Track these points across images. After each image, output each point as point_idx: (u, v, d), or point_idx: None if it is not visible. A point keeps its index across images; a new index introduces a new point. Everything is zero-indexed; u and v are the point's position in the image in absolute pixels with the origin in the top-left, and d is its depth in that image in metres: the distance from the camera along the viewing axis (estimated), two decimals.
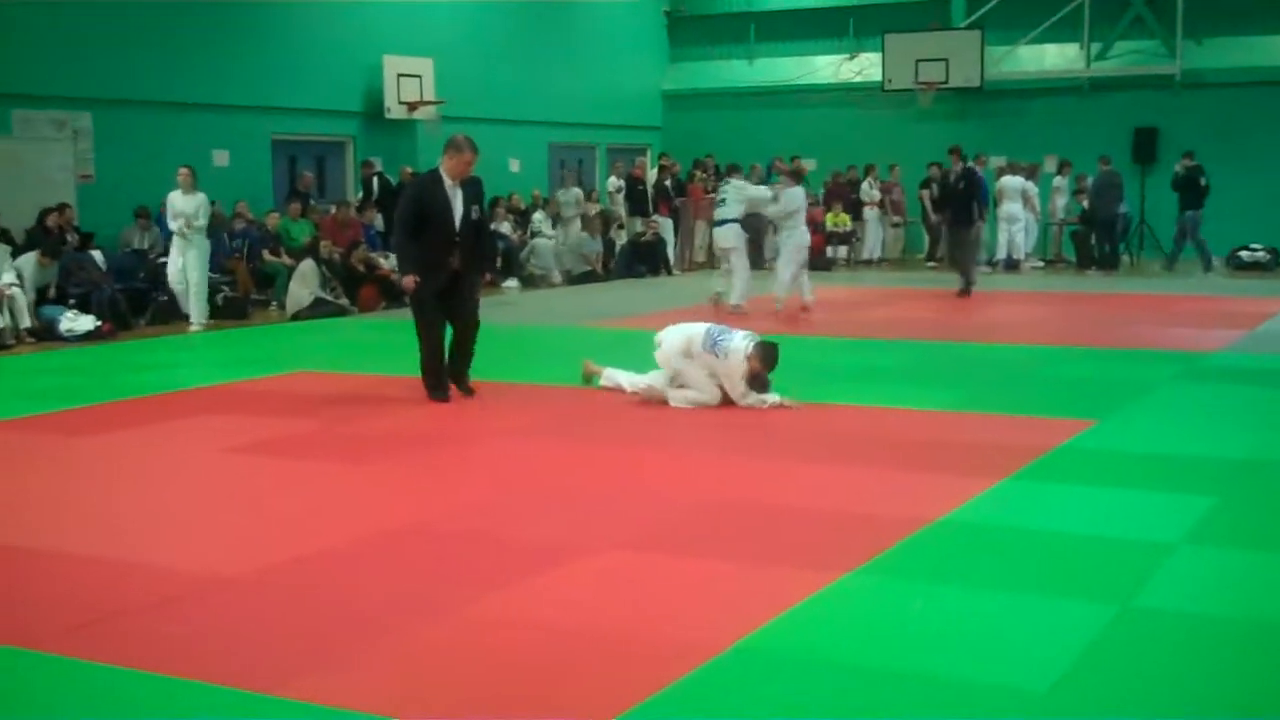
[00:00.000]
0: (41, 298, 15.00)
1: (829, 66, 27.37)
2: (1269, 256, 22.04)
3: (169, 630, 5.18)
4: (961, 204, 18.09)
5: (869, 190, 24.51)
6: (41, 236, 15.77)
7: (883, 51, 25.43)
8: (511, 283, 20.62)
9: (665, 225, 23.37)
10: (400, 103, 21.30)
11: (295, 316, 16.51)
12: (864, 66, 26.71)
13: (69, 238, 16.18)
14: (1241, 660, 4.80)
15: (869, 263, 24.19)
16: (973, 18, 25.45)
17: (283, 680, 4.60)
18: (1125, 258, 22.77)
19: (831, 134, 26.13)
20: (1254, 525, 6.58)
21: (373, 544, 6.38)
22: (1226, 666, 4.74)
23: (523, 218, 22.04)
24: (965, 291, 17.89)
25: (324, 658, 4.85)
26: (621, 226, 23.28)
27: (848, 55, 27.27)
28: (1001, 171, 23.05)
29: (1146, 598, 5.48)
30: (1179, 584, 5.67)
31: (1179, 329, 14.30)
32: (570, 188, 22.62)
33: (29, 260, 15.01)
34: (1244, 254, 22.19)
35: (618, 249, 22.79)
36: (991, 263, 22.99)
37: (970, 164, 18.92)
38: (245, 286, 17.31)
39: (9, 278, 14.54)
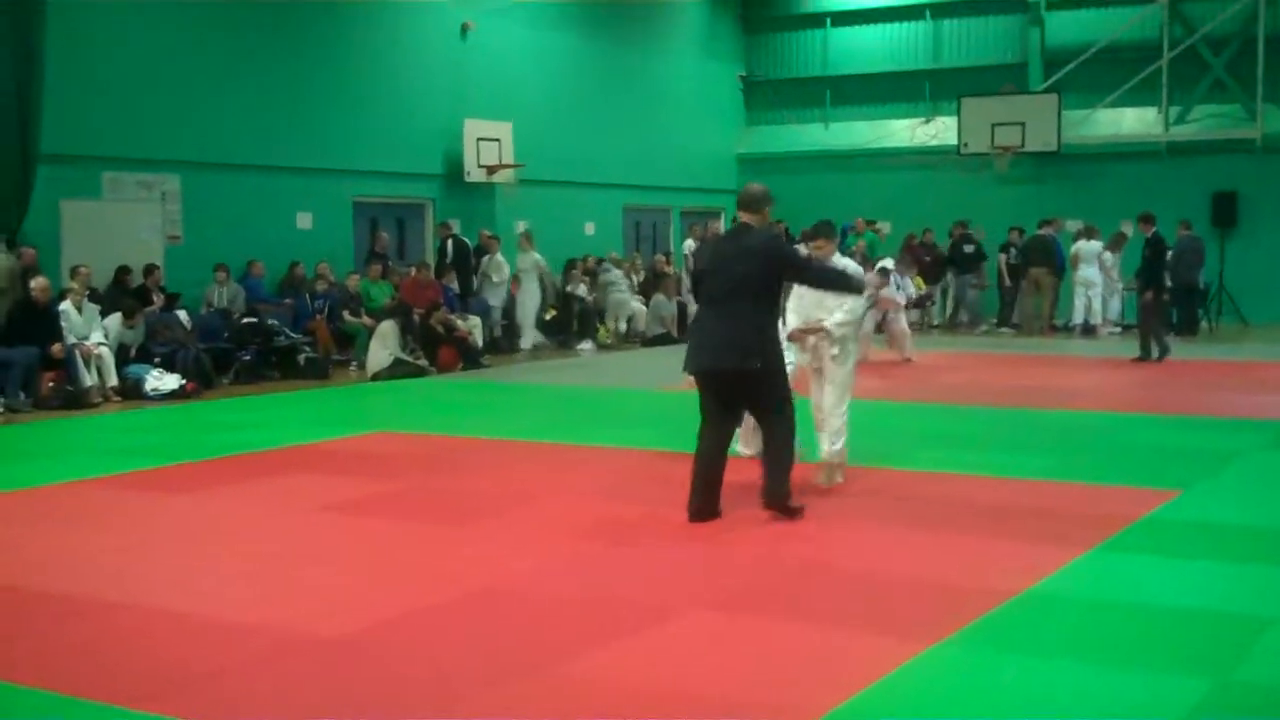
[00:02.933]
0: (126, 356, 15.26)
1: (904, 130, 27.43)
2: None
3: (264, 689, 5.25)
4: (1148, 270, 18.06)
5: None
6: (119, 296, 16.07)
7: (959, 115, 25.44)
8: (587, 345, 20.75)
9: None
10: (479, 165, 21.58)
11: (375, 377, 16.70)
12: (939, 130, 26.73)
13: (155, 298, 16.48)
14: None
15: (950, 326, 24.05)
16: (1050, 81, 25.42)
17: None
18: (1204, 324, 22.51)
19: (907, 197, 26.13)
20: None
21: (459, 606, 6.43)
22: None
23: (594, 280, 22.16)
24: (1148, 357, 17.76)
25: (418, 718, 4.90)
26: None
27: (923, 119, 27.32)
28: (1078, 236, 22.91)
29: (1244, 671, 5.41)
30: (1275, 657, 5.59)
31: (1262, 396, 14.11)
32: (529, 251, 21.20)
33: (115, 320, 15.30)
34: None
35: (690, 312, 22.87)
36: (1069, 327, 22.83)
37: (1158, 231, 18.71)
38: (326, 347, 17.55)
39: (97, 336, 14.83)
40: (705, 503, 8.08)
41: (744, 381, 8.03)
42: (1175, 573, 6.98)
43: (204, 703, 5.08)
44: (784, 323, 9.00)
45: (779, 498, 8.09)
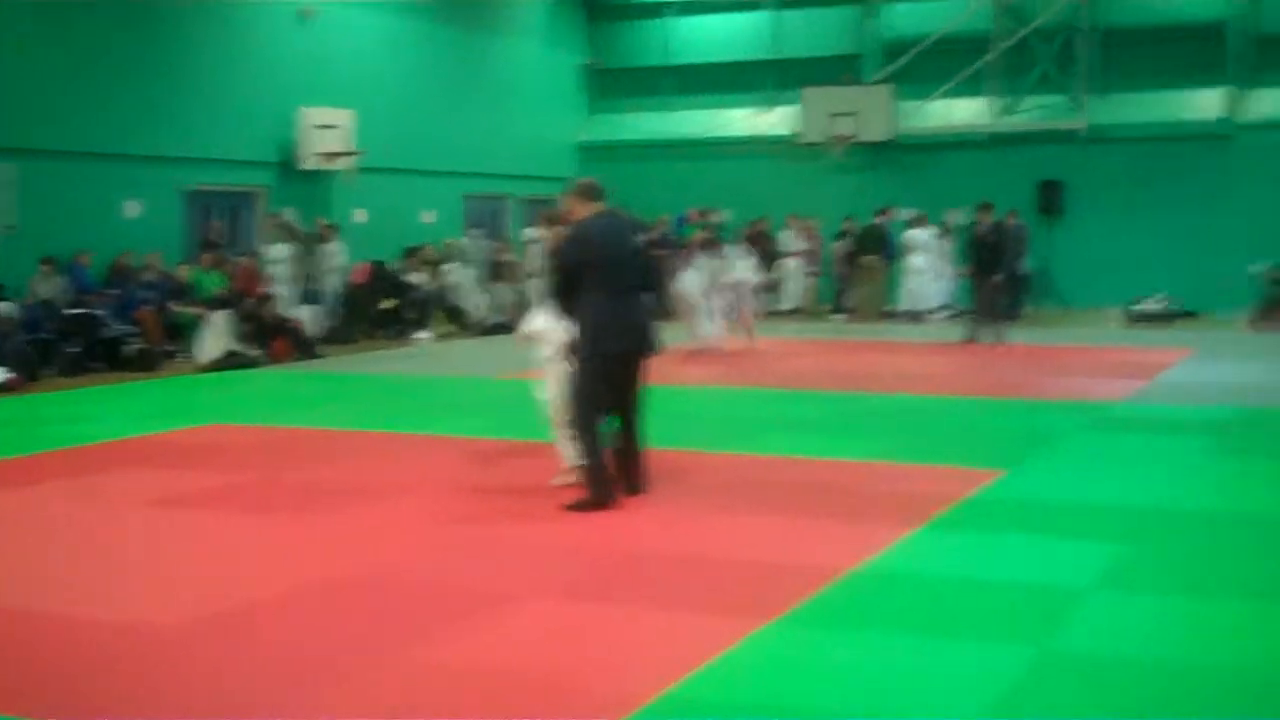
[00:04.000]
0: None
1: (744, 119, 27.72)
2: (1166, 307, 22.55)
3: (102, 684, 5.14)
4: (991, 257, 18.49)
5: (791, 240, 24.71)
6: None
7: (799, 105, 25.81)
8: (424, 334, 20.60)
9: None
10: (316, 153, 21.25)
11: (207, 368, 16.38)
12: (780, 120, 27.08)
13: None
14: (1153, 700, 4.94)
15: (785, 313, 24.39)
16: (885, 72, 25.93)
17: None
18: (1028, 309, 23.20)
19: (746, 186, 26.41)
20: (1160, 570, 6.77)
21: (302, 595, 6.38)
22: (1140, 706, 4.88)
23: (434, 269, 22.02)
24: (991, 341, 18.22)
25: (264, 707, 4.85)
26: (532, 276, 23.33)
27: (764, 108, 27.63)
28: (910, 224, 23.44)
29: (1061, 641, 5.63)
30: (1092, 627, 5.83)
31: (1083, 379, 14.61)
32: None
33: None
34: (1142, 305, 22.70)
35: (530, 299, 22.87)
36: (899, 313, 23.34)
37: (1001, 220, 19.26)
38: (155, 338, 17.13)
39: None
40: (610, 489, 8.23)
41: (640, 366, 8.40)
42: (999, 548, 7.21)
43: (41, 699, 4.96)
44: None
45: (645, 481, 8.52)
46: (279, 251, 19.48)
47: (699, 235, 21.00)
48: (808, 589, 6.28)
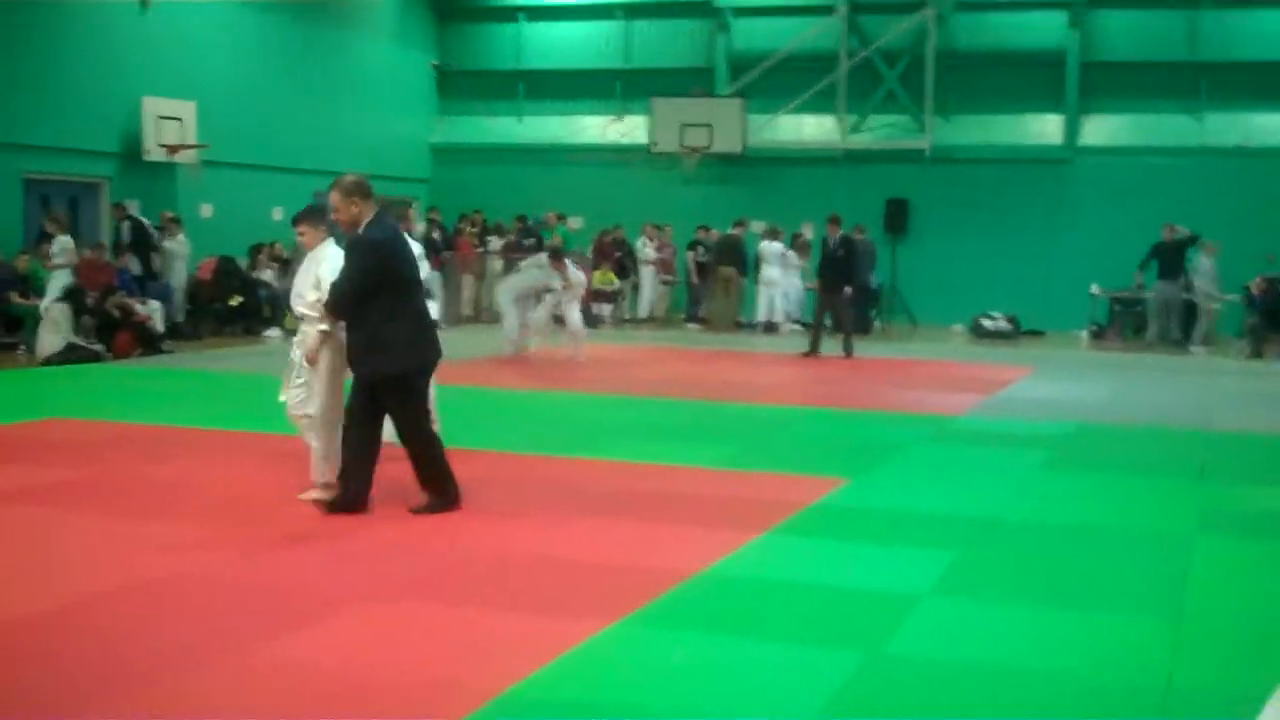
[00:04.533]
0: None
1: (596, 127, 27.82)
2: (1009, 325, 23.20)
3: None
4: (839, 270, 18.73)
5: (643, 249, 24.86)
6: None
7: (650, 115, 26.01)
8: (274, 332, 20.30)
9: (433, 279, 23.29)
10: (160, 145, 20.81)
11: (46, 361, 15.94)
12: (631, 128, 27.24)
13: None
14: (981, 703, 5.09)
15: (640, 320, 24.51)
16: (736, 86, 26.25)
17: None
18: (876, 323, 23.68)
19: (599, 193, 26.52)
20: (992, 578, 6.98)
21: (133, 593, 6.26)
22: (968, 709, 5.03)
23: (284, 266, 21.72)
24: (813, 351, 18.52)
25: (94, 706, 4.75)
26: None
27: (615, 116, 27.77)
28: (763, 236, 23.75)
29: (894, 645, 5.77)
30: (924, 632, 5.99)
31: (926, 393, 14.95)
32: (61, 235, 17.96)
33: None
34: (986, 322, 23.32)
35: None
36: (753, 324, 23.63)
37: (848, 233, 19.56)
38: None
39: None
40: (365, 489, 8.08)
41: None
42: (837, 555, 7.37)
43: None
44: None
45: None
46: (60, 244, 17.98)
47: (554, 242, 21.12)
48: (650, 592, 6.35)
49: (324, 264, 8.11)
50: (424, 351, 8.03)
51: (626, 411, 12.98)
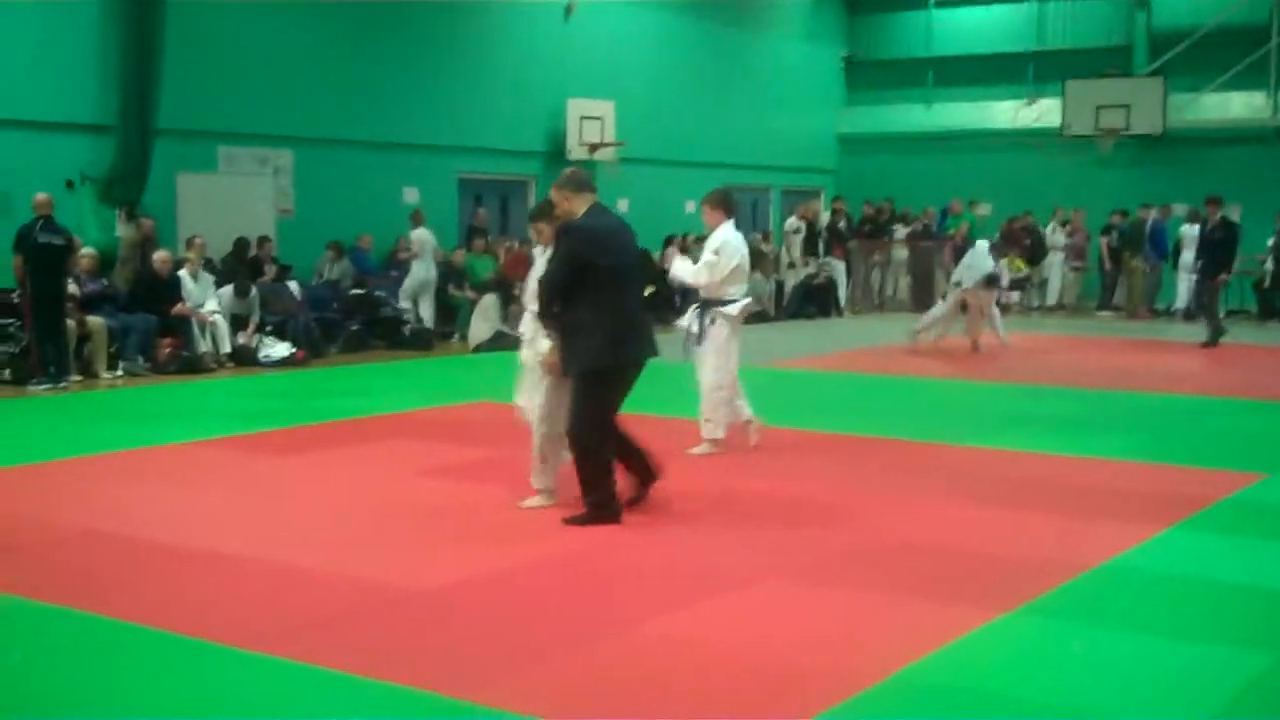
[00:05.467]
0: (240, 324, 15.77)
1: (1006, 112, 27.28)
2: None
3: (366, 637, 5.61)
4: (1216, 254, 18.04)
5: (1053, 235, 24.28)
6: (236, 266, 16.62)
7: (1063, 97, 25.27)
8: (685, 320, 20.96)
9: (838, 268, 23.56)
10: (581, 144, 21.91)
11: (476, 349, 17.11)
12: (1042, 112, 26.57)
13: (267, 269, 17.02)
14: None
15: (1051, 308, 23.95)
16: (1155, 64, 25.18)
17: (470, 687, 4.99)
18: None
19: (1008, 179, 26.01)
20: None
21: (549, 565, 6.76)
22: None
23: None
24: (1212, 342, 17.71)
25: (505, 668, 5.22)
26: (793, 266, 23.51)
27: (1026, 100, 27.17)
28: (1185, 220, 22.70)
29: None
30: None
31: None
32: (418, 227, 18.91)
33: (228, 291, 15.82)
34: None
35: (788, 289, 23.08)
36: (1170, 312, 22.68)
37: (1228, 215, 18.74)
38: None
39: (212, 305, 15.39)
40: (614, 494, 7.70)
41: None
42: (1250, 552, 7.12)
43: (315, 647, 5.44)
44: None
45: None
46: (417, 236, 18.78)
47: (960, 230, 20.92)
48: (1048, 583, 6.33)
49: None
50: (621, 348, 7.54)
51: (1031, 401, 12.78)
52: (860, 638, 5.66)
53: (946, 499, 8.36)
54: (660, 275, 21.79)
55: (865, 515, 7.93)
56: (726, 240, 9.78)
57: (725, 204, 9.86)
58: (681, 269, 10.28)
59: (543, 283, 7.70)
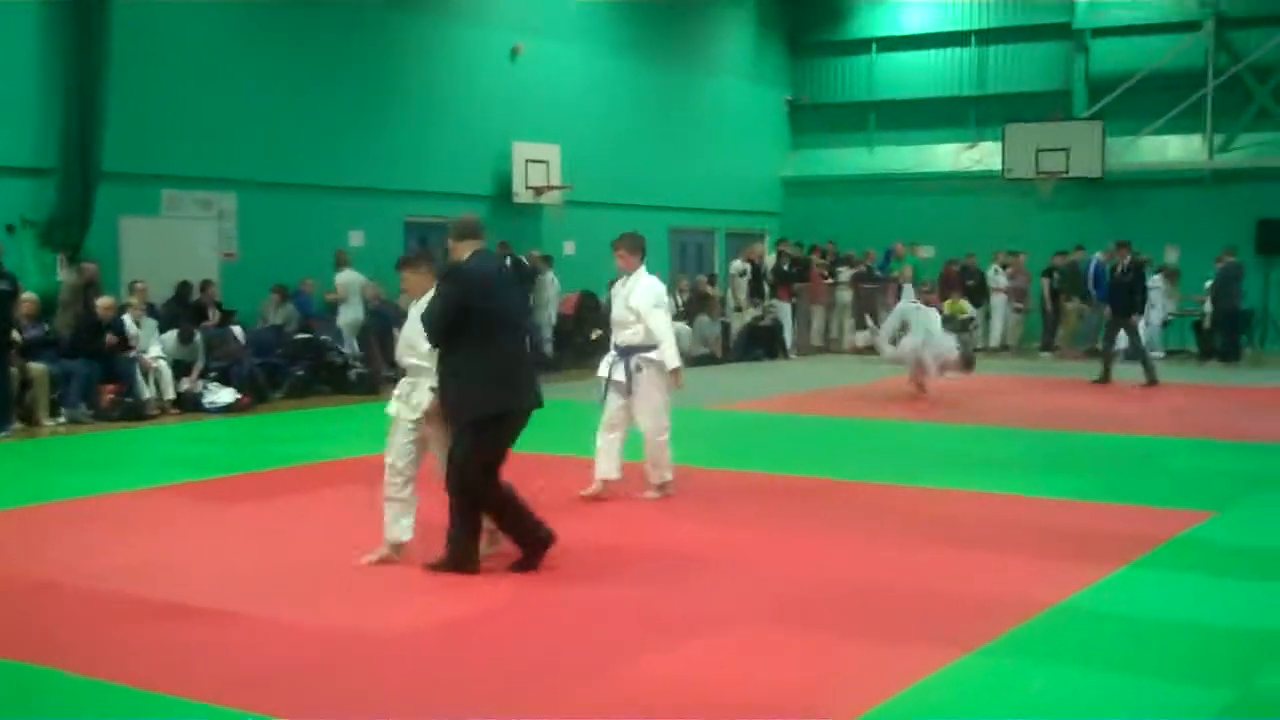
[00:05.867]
0: (184, 370, 15.59)
1: (948, 155, 27.62)
2: None
3: (332, 686, 5.52)
4: (1127, 294, 18.36)
5: (995, 277, 24.51)
6: (179, 311, 16.45)
7: (1003, 141, 25.58)
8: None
9: (783, 310, 23.66)
10: (527, 187, 21.92)
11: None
12: (984, 155, 26.89)
13: (210, 313, 16.87)
14: None
15: (995, 349, 24.12)
16: (1094, 108, 25.56)
17: None
18: (1247, 350, 22.55)
19: (950, 222, 26.28)
20: None
21: (515, 609, 6.71)
22: None
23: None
24: (1103, 379, 18.09)
25: (475, 711, 5.16)
26: (739, 309, 23.59)
27: (968, 144, 27.50)
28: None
29: (1265, 683, 5.60)
30: None
31: None
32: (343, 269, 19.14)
33: (171, 336, 15.64)
34: None
35: (734, 332, 23.16)
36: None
37: (1139, 257, 19.10)
38: (376, 363, 17.87)
39: (155, 350, 15.21)
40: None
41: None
42: (1205, 589, 7.17)
43: (279, 698, 5.35)
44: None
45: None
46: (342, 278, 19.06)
47: (904, 273, 21.05)
48: (1007, 623, 6.35)
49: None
50: (505, 396, 7.35)
51: (980, 442, 12.87)
52: (820, 680, 5.63)
53: (901, 540, 8.37)
54: (608, 319, 21.81)
55: (819, 557, 7.93)
56: (658, 287, 9.79)
57: (643, 248, 9.84)
58: (664, 324, 9.73)
59: (422, 320, 7.42)
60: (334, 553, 8.00)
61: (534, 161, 21.98)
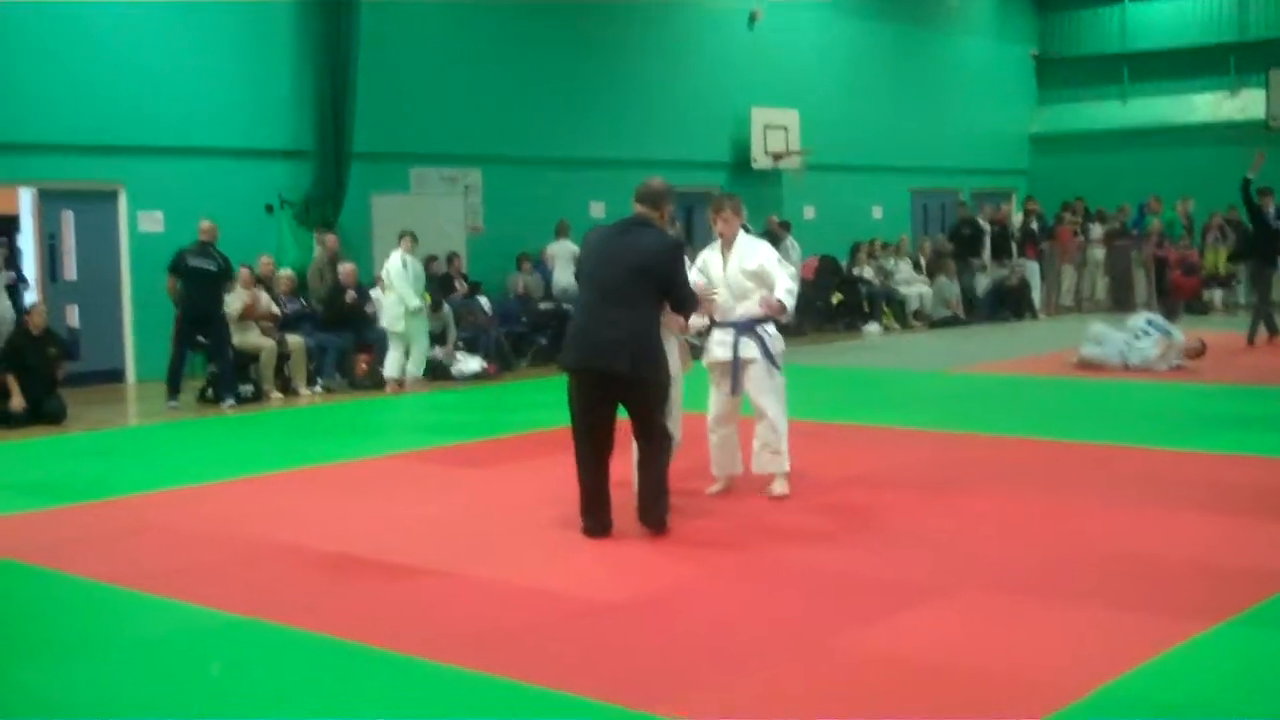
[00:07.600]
0: (435, 340, 16.04)
1: (1207, 105, 26.40)
2: None
3: (556, 649, 5.62)
4: (1272, 243, 17.18)
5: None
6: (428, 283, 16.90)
7: (1267, 88, 24.33)
8: (873, 327, 20.79)
9: (1031, 269, 23.04)
10: (766, 153, 21.84)
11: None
12: (1246, 104, 25.63)
13: (458, 285, 17.33)
14: None
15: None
16: None
17: (658, 700, 4.95)
18: None
19: (1211, 173, 25.11)
20: None
21: (733, 578, 6.71)
22: None
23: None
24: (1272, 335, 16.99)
25: (695, 682, 5.18)
26: (985, 269, 23.05)
27: (1228, 92, 26.23)
28: None
29: None
30: None
31: None
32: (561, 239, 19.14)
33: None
34: None
35: (979, 292, 22.66)
36: None
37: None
38: None
39: (413, 301, 15.34)
40: (599, 519, 7.60)
41: (615, 385, 7.44)
42: None
43: (506, 659, 5.47)
44: None
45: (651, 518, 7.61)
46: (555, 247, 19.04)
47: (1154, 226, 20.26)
48: (1263, 591, 6.05)
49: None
50: (566, 351, 7.63)
51: (1230, 402, 12.29)
52: (1060, 650, 5.44)
53: (1152, 504, 8.05)
54: (846, 283, 21.63)
55: (1066, 522, 7.68)
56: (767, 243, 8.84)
57: (742, 211, 8.83)
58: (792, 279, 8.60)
59: None
60: (569, 516, 8.13)
61: (772, 127, 21.89)
